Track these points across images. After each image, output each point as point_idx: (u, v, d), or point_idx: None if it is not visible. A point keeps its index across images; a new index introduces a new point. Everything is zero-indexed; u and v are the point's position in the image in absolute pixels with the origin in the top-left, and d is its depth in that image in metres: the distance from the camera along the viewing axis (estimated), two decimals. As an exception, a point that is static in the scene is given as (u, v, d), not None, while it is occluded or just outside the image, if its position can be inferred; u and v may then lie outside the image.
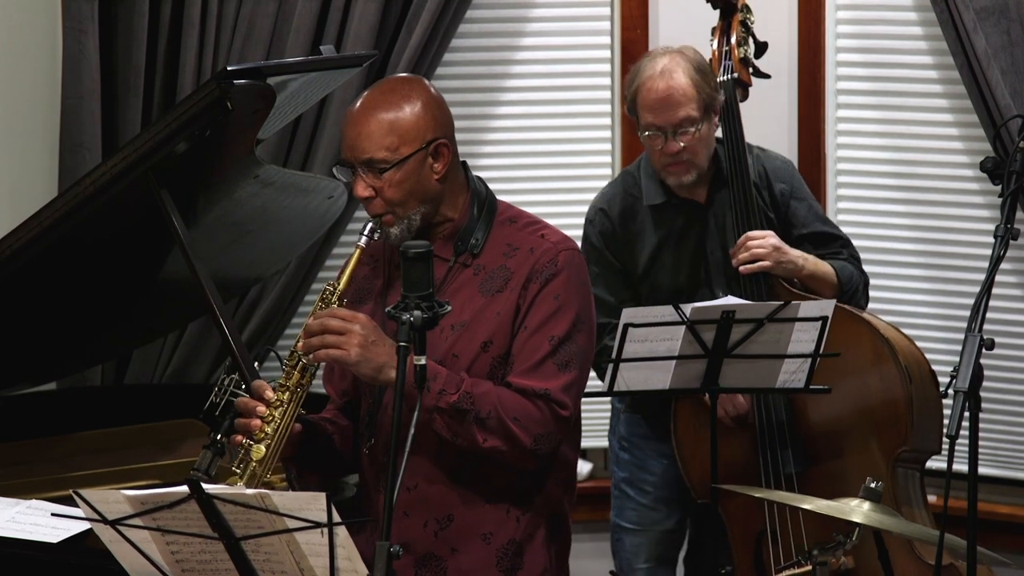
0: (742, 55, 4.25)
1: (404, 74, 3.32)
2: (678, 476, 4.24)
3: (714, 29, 4.31)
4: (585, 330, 3.18)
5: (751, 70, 4.27)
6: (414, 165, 3.10)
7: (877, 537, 3.38)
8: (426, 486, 3.14)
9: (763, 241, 4.06)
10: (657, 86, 4.03)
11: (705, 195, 4.18)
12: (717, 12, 4.32)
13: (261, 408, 3.06)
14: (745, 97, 4.26)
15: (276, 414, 3.06)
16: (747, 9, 4.30)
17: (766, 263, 4.06)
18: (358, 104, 3.14)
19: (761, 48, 4.29)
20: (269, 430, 3.05)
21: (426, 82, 3.20)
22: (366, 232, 3.11)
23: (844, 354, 3.93)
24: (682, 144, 4.03)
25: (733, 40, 4.25)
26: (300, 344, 3.08)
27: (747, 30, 4.27)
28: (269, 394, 3.08)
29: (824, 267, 4.14)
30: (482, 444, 3.09)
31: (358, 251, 3.11)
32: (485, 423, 3.07)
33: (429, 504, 3.15)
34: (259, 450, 3.04)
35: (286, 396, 3.07)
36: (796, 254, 4.10)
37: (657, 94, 4.03)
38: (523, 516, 3.20)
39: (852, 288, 4.17)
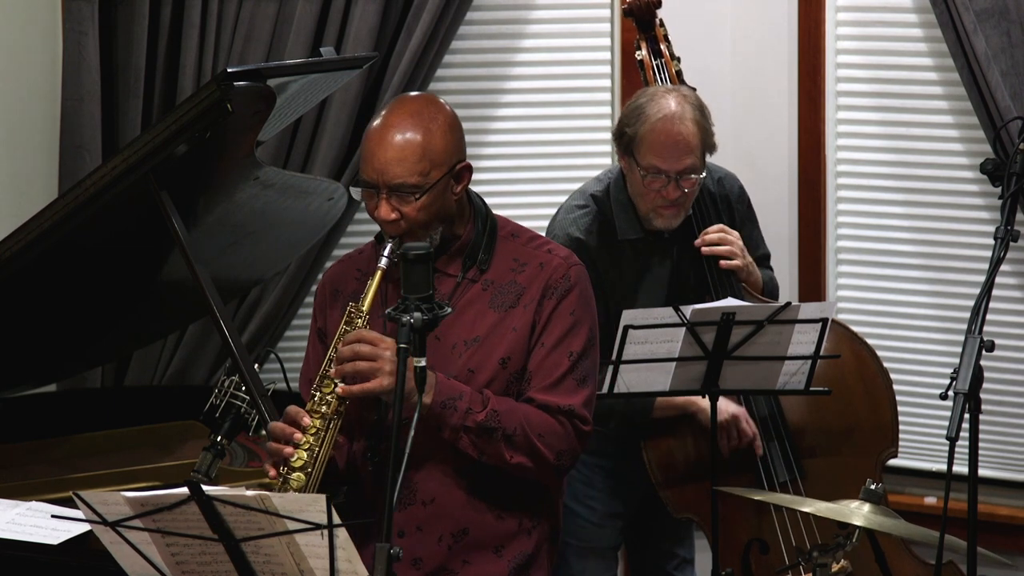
0: (677, 68, 4.24)
1: (419, 93, 3.26)
2: (622, 492, 4.24)
3: (638, 41, 4.25)
4: (595, 345, 3.23)
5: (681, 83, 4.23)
6: (440, 188, 3.11)
7: (872, 539, 3.38)
8: (444, 501, 3.15)
9: (738, 244, 4.09)
10: (669, 130, 3.95)
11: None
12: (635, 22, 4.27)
13: (298, 436, 3.05)
14: None
15: (313, 441, 3.05)
16: (663, 22, 4.27)
17: (737, 263, 4.07)
18: (383, 125, 3.10)
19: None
20: (307, 458, 3.04)
21: (442, 101, 3.20)
22: (386, 254, 3.09)
23: (823, 360, 3.93)
24: (685, 191, 3.98)
25: (666, 53, 4.24)
26: (333, 371, 3.07)
27: (666, 36, 4.25)
28: (306, 421, 3.06)
29: (757, 276, 4.17)
30: (509, 461, 3.10)
31: (380, 273, 3.09)
32: (512, 440, 3.09)
33: (445, 519, 3.15)
34: (299, 478, 3.04)
35: (320, 423, 3.06)
36: (750, 259, 4.15)
37: (668, 138, 3.94)
38: (534, 529, 3.21)
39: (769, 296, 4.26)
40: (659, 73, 4.22)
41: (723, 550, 4.03)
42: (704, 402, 3.97)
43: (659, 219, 4.05)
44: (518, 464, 3.10)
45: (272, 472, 3.06)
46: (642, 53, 4.24)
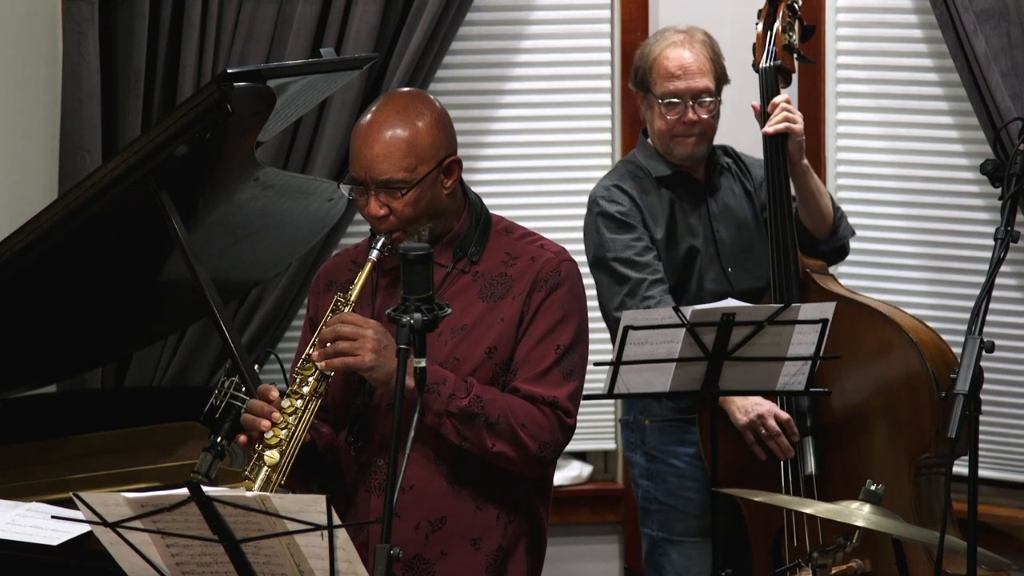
0: (786, 41, 4.25)
1: (408, 89, 3.32)
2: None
3: (760, 12, 4.30)
4: (584, 341, 3.22)
5: (796, 56, 4.28)
6: (429, 183, 3.12)
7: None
8: (423, 487, 3.14)
9: (797, 115, 4.18)
10: (679, 55, 4.15)
11: (703, 174, 4.27)
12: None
13: (276, 415, 3.06)
14: (788, 83, 4.29)
15: (291, 420, 3.06)
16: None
17: (796, 127, 4.15)
18: (370, 122, 3.12)
19: (807, 32, 4.31)
20: (283, 436, 3.05)
21: (431, 96, 3.22)
22: (377, 247, 3.11)
23: (871, 356, 3.92)
24: (703, 115, 4.13)
25: (778, 25, 4.25)
26: (315, 353, 3.08)
27: (794, 14, 4.27)
28: (274, 394, 3.08)
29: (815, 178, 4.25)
30: (491, 449, 3.10)
31: (369, 265, 3.11)
32: (495, 428, 3.09)
33: (424, 506, 3.15)
34: (273, 456, 3.04)
35: (299, 403, 3.07)
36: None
37: (679, 62, 4.14)
38: (510, 524, 3.21)
39: (837, 209, 4.29)
40: (765, 45, 4.26)
41: (754, 534, 4.09)
42: (733, 403, 4.03)
43: (680, 147, 4.18)
44: (500, 452, 3.10)
45: (242, 439, 3.09)
46: (760, 24, 4.30)
